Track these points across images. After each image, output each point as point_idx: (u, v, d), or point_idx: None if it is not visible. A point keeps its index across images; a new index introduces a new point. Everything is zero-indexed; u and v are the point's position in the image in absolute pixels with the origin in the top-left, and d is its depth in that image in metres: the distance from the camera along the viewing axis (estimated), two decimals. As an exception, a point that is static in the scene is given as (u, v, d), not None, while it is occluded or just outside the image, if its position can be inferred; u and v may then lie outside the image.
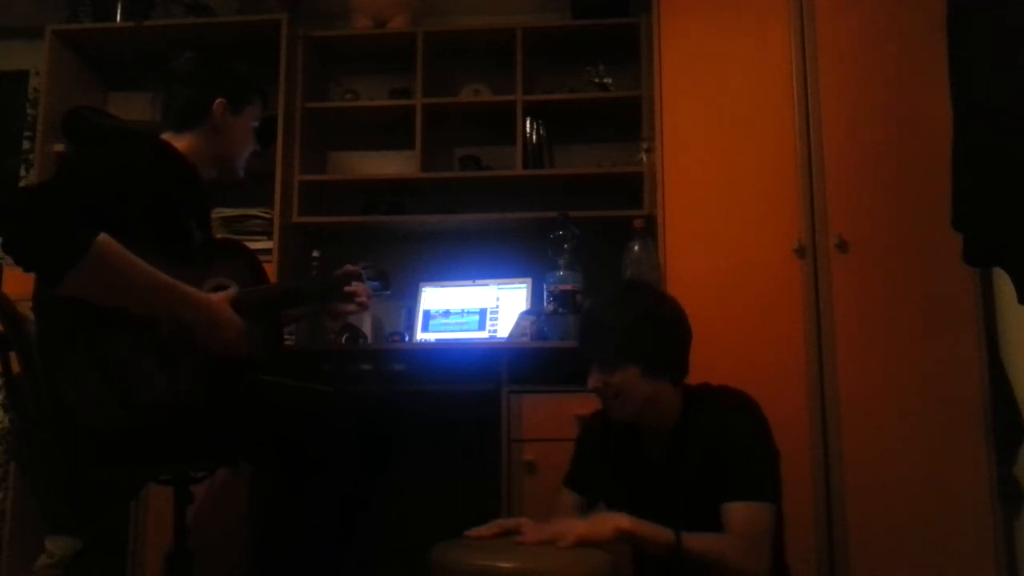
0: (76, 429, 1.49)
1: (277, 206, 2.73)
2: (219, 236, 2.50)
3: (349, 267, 2.00)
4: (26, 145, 3.09)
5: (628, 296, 1.68)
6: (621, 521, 1.44)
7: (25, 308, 1.58)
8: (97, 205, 1.43)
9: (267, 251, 2.69)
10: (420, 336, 2.78)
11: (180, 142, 1.75)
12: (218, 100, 1.77)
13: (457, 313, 2.80)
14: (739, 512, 1.48)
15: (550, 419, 2.25)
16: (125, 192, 1.52)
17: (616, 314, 1.63)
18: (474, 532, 1.57)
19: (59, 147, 2.83)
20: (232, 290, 1.64)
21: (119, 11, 2.93)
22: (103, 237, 1.37)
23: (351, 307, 1.99)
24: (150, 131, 1.83)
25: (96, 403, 1.46)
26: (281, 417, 1.69)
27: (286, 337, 2.59)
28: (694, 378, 1.68)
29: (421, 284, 2.88)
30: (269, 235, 2.74)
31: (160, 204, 1.61)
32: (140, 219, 1.53)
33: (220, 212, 2.84)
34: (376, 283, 2.07)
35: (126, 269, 1.41)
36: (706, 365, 1.77)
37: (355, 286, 1.97)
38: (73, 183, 1.50)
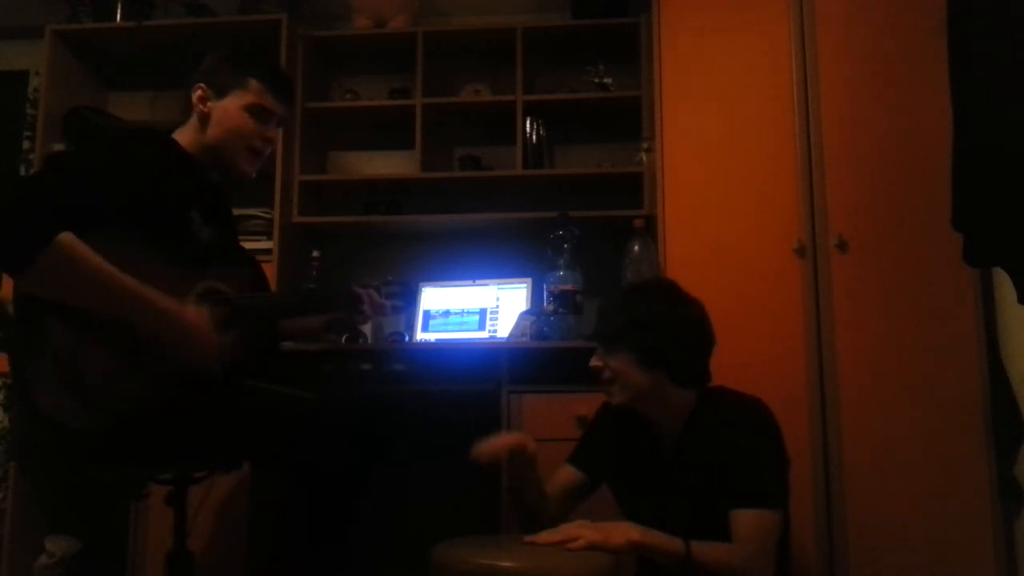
0: (53, 429, 1.43)
1: (277, 206, 2.73)
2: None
3: (365, 284, 2.02)
4: (26, 145, 3.09)
5: (646, 290, 1.73)
6: (632, 533, 1.44)
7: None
8: (78, 202, 1.40)
9: (267, 251, 2.70)
10: (420, 336, 2.78)
11: (180, 137, 1.77)
12: (197, 86, 1.77)
13: (457, 313, 2.80)
14: (747, 520, 1.49)
15: (550, 419, 2.25)
16: (115, 187, 1.50)
17: (627, 303, 1.69)
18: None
19: (59, 147, 2.83)
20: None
21: (119, 11, 2.93)
22: (66, 236, 1.34)
23: (356, 319, 2.00)
24: (159, 130, 1.83)
25: (58, 401, 1.41)
26: (258, 421, 1.64)
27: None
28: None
29: (421, 284, 2.88)
30: (269, 235, 2.74)
31: (155, 198, 1.57)
32: (133, 215, 1.50)
33: (220, 212, 2.84)
34: (400, 302, 2.07)
35: (88, 271, 1.37)
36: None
37: (362, 294, 1.98)
38: (54, 178, 1.46)
